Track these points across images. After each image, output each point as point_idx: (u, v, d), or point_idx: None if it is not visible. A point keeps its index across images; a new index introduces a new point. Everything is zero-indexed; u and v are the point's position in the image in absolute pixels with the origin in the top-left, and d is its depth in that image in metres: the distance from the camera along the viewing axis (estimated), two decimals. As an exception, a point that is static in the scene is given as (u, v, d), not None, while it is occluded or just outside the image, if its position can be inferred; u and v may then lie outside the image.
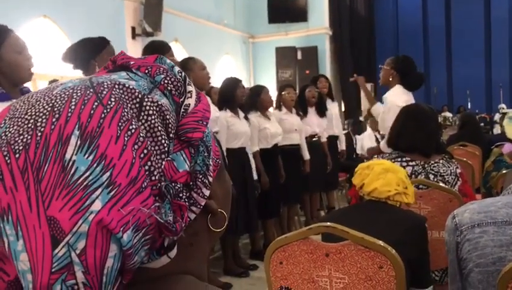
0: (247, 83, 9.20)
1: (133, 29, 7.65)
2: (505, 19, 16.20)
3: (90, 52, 2.40)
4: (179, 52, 8.30)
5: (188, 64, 3.24)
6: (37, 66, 2.04)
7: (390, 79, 3.38)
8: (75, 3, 6.48)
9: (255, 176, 3.99)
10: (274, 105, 4.79)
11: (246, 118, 3.95)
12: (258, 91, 4.32)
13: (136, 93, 0.43)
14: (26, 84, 2.04)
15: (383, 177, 1.65)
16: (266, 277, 1.36)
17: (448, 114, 12.62)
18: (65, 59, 2.45)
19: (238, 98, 3.85)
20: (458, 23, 16.77)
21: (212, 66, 8.97)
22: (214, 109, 3.51)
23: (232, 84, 3.90)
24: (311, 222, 4.88)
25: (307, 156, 4.75)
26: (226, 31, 10.44)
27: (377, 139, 7.14)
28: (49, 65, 5.61)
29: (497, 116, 11.42)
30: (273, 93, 4.83)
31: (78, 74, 2.59)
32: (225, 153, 3.66)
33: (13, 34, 1.91)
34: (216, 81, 5.30)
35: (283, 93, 4.67)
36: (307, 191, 4.97)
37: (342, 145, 5.78)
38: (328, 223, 1.29)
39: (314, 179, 4.90)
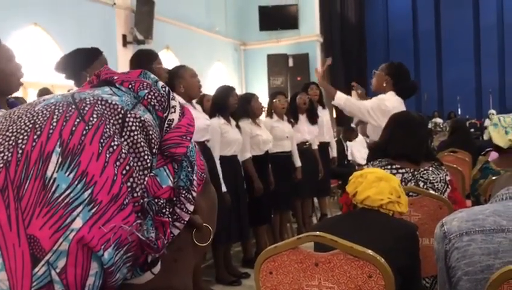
0: (239, 90, 9.19)
1: (124, 37, 7.65)
2: (494, 24, 16.41)
3: (82, 62, 2.40)
4: (171, 60, 8.30)
5: (179, 72, 3.24)
6: (28, 75, 2.03)
7: (384, 84, 3.36)
8: (65, 11, 6.47)
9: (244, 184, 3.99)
10: (265, 112, 4.80)
11: (238, 126, 3.96)
12: (249, 98, 4.33)
13: (119, 109, 0.43)
14: (16, 93, 2.03)
15: (376, 185, 1.66)
16: (256, 287, 1.36)
17: (438, 120, 12.72)
18: (57, 69, 2.45)
19: (231, 105, 3.86)
20: (448, 30, 16.96)
21: (204, 74, 8.98)
22: (205, 117, 3.51)
23: (225, 92, 3.91)
24: (303, 229, 4.88)
25: (298, 163, 4.76)
26: (217, 39, 10.46)
27: (368, 145, 7.18)
28: (40, 73, 5.59)
29: (487, 122, 11.53)
30: (265, 100, 4.85)
31: (70, 83, 2.59)
32: (219, 161, 3.65)
33: (2, 44, 1.90)
34: (208, 89, 5.31)
35: (274, 100, 4.68)
36: (299, 198, 4.97)
37: (333, 152, 5.79)
38: (318, 233, 1.29)
39: (305, 185, 4.90)
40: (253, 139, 4.16)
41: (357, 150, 7.08)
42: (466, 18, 16.72)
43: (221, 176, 3.59)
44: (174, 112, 0.48)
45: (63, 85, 4.38)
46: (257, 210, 4.10)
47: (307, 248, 1.36)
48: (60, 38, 6.29)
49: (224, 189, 3.60)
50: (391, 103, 3.22)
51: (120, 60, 7.16)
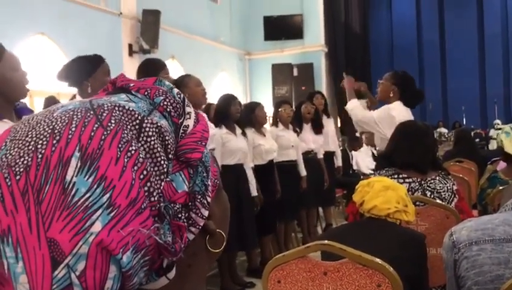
0: (243, 100, 9.24)
1: (130, 46, 7.71)
2: (498, 34, 16.40)
3: (84, 70, 2.40)
4: (176, 69, 8.35)
5: (184, 81, 3.25)
6: (34, 83, 2.05)
7: (391, 95, 3.32)
8: (72, 20, 6.53)
9: (255, 193, 3.98)
10: (270, 121, 4.80)
11: (244, 134, 3.96)
12: (253, 107, 4.34)
13: (136, 115, 0.44)
14: (22, 100, 2.04)
15: (383, 194, 1.65)
16: (264, 295, 1.35)
17: (443, 130, 12.69)
18: (60, 77, 2.45)
19: (232, 114, 3.86)
20: (452, 39, 16.96)
21: (209, 83, 9.01)
22: (211, 126, 3.52)
23: (227, 101, 3.92)
24: (308, 239, 4.86)
25: (303, 172, 4.75)
26: (222, 48, 10.52)
27: (373, 154, 7.17)
28: (46, 82, 5.63)
29: (492, 132, 11.49)
30: (270, 110, 4.86)
31: (74, 91, 2.60)
32: (221, 170, 3.66)
33: (8, 51, 1.92)
34: (213, 98, 5.32)
35: (280, 109, 4.69)
36: (304, 207, 4.96)
37: (338, 161, 5.78)
38: (326, 241, 1.29)
39: (310, 195, 4.89)
40: (255, 148, 4.16)
41: (362, 159, 7.07)
42: (470, 27, 16.72)
43: (221, 186, 3.58)
44: (189, 118, 0.48)
45: (68, 93, 4.40)
46: (262, 219, 4.09)
47: (314, 257, 1.35)
48: (66, 48, 6.34)
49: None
50: (398, 112, 3.19)
51: (126, 69, 7.21)
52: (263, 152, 4.20)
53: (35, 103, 5.73)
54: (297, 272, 1.28)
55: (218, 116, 3.88)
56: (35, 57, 5.93)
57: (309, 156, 5.00)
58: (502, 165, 2.62)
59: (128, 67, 7.22)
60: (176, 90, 0.49)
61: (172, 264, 0.45)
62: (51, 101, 4.24)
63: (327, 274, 1.26)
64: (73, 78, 2.45)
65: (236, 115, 3.90)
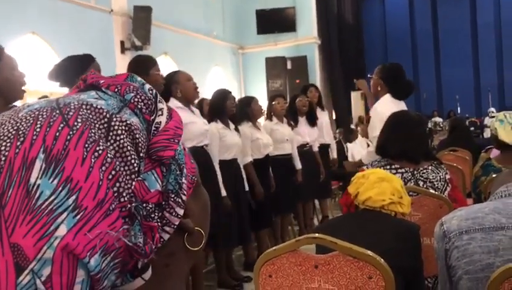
0: (237, 94, 9.22)
1: (122, 43, 7.66)
2: (491, 23, 16.42)
3: (75, 70, 2.38)
4: (169, 66, 8.31)
5: (174, 77, 3.24)
6: (27, 83, 2.05)
7: (379, 88, 3.29)
8: (63, 19, 6.49)
9: (246, 187, 3.98)
10: (265, 115, 4.79)
11: (237, 129, 3.95)
12: (248, 101, 4.34)
13: (104, 113, 0.43)
14: (17, 103, 2.04)
15: (378, 186, 1.65)
16: (256, 290, 1.35)
17: (438, 119, 12.70)
18: (51, 77, 2.44)
19: (228, 109, 3.85)
20: (445, 28, 16.99)
21: (203, 78, 8.99)
22: (203, 122, 3.51)
23: (222, 95, 3.91)
24: (304, 232, 4.86)
25: (298, 165, 4.75)
26: (215, 43, 10.48)
27: (368, 146, 7.17)
28: (39, 82, 5.59)
29: (487, 120, 11.51)
30: (264, 104, 4.84)
31: (66, 91, 2.58)
32: (218, 165, 3.65)
33: (6, 53, 1.92)
34: (207, 93, 5.31)
35: (273, 103, 4.68)
36: (300, 200, 4.96)
37: (333, 154, 5.79)
38: (316, 235, 1.29)
39: (306, 188, 4.89)
40: (253, 142, 4.16)
41: (357, 151, 7.07)
42: (463, 16, 16.74)
43: (220, 180, 3.58)
44: (162, 114, 0.47)
45: (61, 93, 4.38)
46: (258, 214, 4.09)
47: (309, 250, 1.35)
48: (58, 47, 6.30)
49: (224, 193, 3.59)
50: (382, 106, 3.13)
51: (118, 67, 7.17)
52: (261, 146, 4.20)
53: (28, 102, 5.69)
54: (288, 266, 1.28)
55: (213, 111, 3.87)
56: (27, 57, 5.89)
57: (304, 149, 5.00)
58: (495, 152, 2.62)
59: (120, 65, 7.18)
60: (147, 86, 0.48)
61: (148, 265, 0.44)
62: (43, 100, 4.20)
63: (318, 267, 1.26)
64: (64, 78, 2.44)
65: (231, 109, 3.89)
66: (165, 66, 7.95)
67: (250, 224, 4.01)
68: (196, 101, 4.15)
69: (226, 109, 3.83)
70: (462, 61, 16.44)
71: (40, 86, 5.62)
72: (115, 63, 7.26)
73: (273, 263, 1.29)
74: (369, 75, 3.52)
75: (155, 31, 7.91)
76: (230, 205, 3.63)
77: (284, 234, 4.71)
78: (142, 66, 2.89)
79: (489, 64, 16.37)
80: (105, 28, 7.38)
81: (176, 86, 3.19)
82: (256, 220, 4.09)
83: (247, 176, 4.03)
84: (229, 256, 3.98)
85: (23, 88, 1.96)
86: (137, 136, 0.43)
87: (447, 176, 2.19)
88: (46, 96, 4.68)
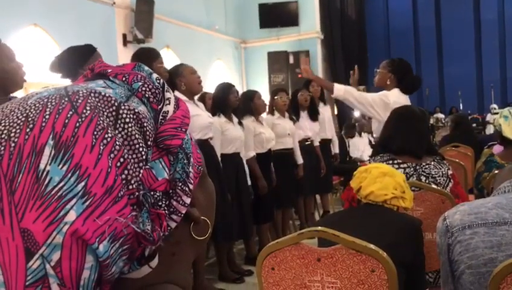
0: (239, 88, 9.19)
1: (124, 36, 7.63)
2: (494, 19, 16.36)
3: (77, 60, 2.38)
4: (171, 59, 8.29)
5: (178, 70, 3.24)
6: (29, 75, 2.05)
7: (388, 82, 3.34)
8: (65, 11, 6.46)
9: (249, 182, 3.99)
10: (267, 109, 4.79)
11: (240, 123, 3.95)
12: (251, 96, 4.33)
13: (113, 101, 0.43)
14: (16, 94, 2.04)
15: (380, 181, 1.64)
16: (258, 283, 1.36)
17: (440, 115, 12.69)
18: (52, 69, 2.43)
19: (231, 103, 3.85)
20: (448, 25, 16.91)
21: (204, 72, 8.96)
22: (207, 115, 3.51)
23: (225, 89, 3.90)
24: (305, 226, 4.87)
25: (300, 160, 4.75)
26: (217, 37, 10.45)
27: (370, 142, 7.17)
28: (41, 74, 5.59)
29: (489, 117, 11.50)
30: (266, 98, 4.83)
31: (68, 82, 2.58)
32: (220, 159, 3.65)
33: (3, 43, 1.91)
34: (209, 87, 5.31)
35: (276, 97, 4.67)
36: (301, 195, 4.96)
37: (335, 149, 5.79)
38: (319, 228, 1.29)
39: (307, 182, 4.90)
40: (256, 137, 4.16)
41: (359, 146, 7.07)
42: (467, 12, 16.66)
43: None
44: (169, 104, 0.47)
45: (64, 84, 4.39)
46: (260, 208, 4.10)
47: (311, 244, 1.35)
48: (60, 39, 6.28)
49: (225, 187, 3.60)
50: (394, 99, 3.21)
51: (120, 60, 7.15)
52: (264, 140, 4.20)
53: (30, 95, 5.69)
54: (290, 258, 1.28)
55: (217, 105, 3.87)
56: (29, 49, 5.88)
57: (306, 144, 5.00)
58: (498, 148, 2.62)
59: (122, 58, 7.16)
60: (155, 75, 0.48)
61: (155, 253, 0.44)
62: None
63: (321, 260, 1.26)
64: (66, 69, 2.44)
65: (235, 103, 3.89)
66: (167, 59, 7.94)
67: (251, 218, 4.02)
68: (197, 97, 4.15)
69: (229, 103, 3.83)
70: (464, 57, 16.39)
71: (42, 78, 5.62)
72: (117, 56, 7.24)
73: (276, 255, 1.29)
74: (375, 69, 3.52)
75: (157, 24, 7.89)
76: (229, 200, 3.64)
77: (285, 228, 4.72)
78: (145, 58, 2.89)
79: (492, 61, 16.32)
80: (107, 20, 7.36)
81: (180, 79, 3.19)
82: (257, 214, 4.10)
83: (250, 170, 4.03)
84: (230, 250, 3.99)
85: (23, 78, 1.96)
86: (145, 124, 0.43)
87: (449, 172, 2.19)
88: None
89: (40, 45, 6.20)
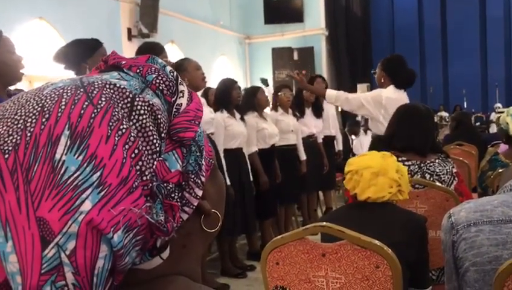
0: (243, 84, 9.20)
1: (129, 30, 7.64)
2: (500, 18, 16.25)
3: (82, 54, 2.38)
4: (175, 54, 8.29)
5: (183, 65, 3.24)
6: (34, 68, 2.06)
7: (382, 80, 3.37)
8: (70, 5, 6.47)
9: (251, 177, 3.99)
10: (270, 105, 4.79)
11: (242, 119, 3.95)
12: (254, 91, 4.33)
13: (127, 93, 0.43)
14: (20, 86, 2.05)
15: (374, 183, 1.58)
16: (262, 277, 1.36)
17: (444, 114, 12.66)
18: (57, 59, 2.43)
19: (234, 98, 3.85)
20: (454, 23, 16.82)
21: (209, 67, 8.96)
22: (209, 110, 3.51)
23: (228, 85, 3.91)
24: (308, 222, 4.88)
25: (303, 156, 4.75)
26: (222, 32, 10.44)
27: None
28: (46, 67, 5.59)
29: (493, 116, 11.45)
30: (270, 94, 4.84)
31: (71, 74, 2.58)
32: (222, 154, 3.66)
33: (4, 36, 1.92)
34: (212, 82, 5.30)
35: (279, 94, 4.67)
36: (304, 191, 4.97)
37: (338, 146, 5.78)
38: (324, 223, 1.29)
39: (311, 179, 4.90)
40: (259, 132, 4.16)
41: (363, 144, 7.06)
42: (472, 10, 16.56)
43: (225, 169, 3.59)
44: (183, 96, 0.48)
45: (69, 77, 4.40)
46: (263, 203, 4.10)
47: (314, 240, 1.36)
48: (65, 33, 6.28)
49: (228, 182, 3.60)
50: (387, 94, 3.26)
51: (125, 54, 7.03)
52: (267, 136, 4.20)
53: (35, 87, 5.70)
54: (295, 253, 1.28)
55: (219, 100, 3.87)
56: (34, 42, 5.89)
57: (309, 141, 5.00)
58: (502, 147, 2.62)
59: (127, 52, 7.16)
60: (169, 68, 0.49)
61: (166, 244, 0.45)
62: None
63: (325, 256, 1.26)
64: (70, 60, 2.43)
65: (237, 99, 3.89)
66: (172, 54, 7.94)
67: (254, 213, 4.03)
68: (200, 93, 4.16)
69: (231, 99, 3.83)
70: (469, 55, 16.29)
71: (46, 71, 5.63)
72: (122, 50, 7.25)
73: (281, 250, 1.30)
74: (372, 71, 3.55)
75: (162, 19, 7.89)
76: (233, 195, 3.64)
77: (287, 224, 4.73)
78: (150, 52, 2.87)
79: (497, 59, 16.22)
80: (112, 14, 7.36)
81: (184, 74, 3.19)
82: (260, 209, 4.10)
83: (252, 165, 4.03)
84: (232, 245, 4.00)
85: (21, 71, 1.97)
86: (159, 116, 0.44)
87: (454, 170, 2.18)
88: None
89: (45, 38, 6.21)
